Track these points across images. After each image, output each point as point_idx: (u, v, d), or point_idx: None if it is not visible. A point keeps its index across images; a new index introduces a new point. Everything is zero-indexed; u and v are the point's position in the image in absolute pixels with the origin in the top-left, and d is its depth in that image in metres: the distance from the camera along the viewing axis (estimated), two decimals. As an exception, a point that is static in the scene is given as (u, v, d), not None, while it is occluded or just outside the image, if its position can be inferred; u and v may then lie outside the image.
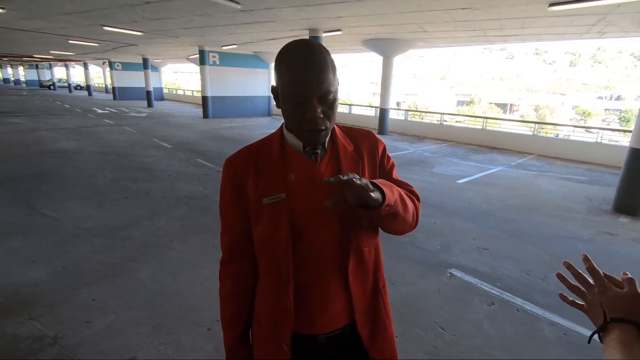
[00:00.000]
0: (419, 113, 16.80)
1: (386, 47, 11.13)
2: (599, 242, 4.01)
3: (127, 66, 25.31)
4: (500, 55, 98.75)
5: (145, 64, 20.59)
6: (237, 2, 6.32)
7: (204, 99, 15.74)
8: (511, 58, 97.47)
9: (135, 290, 2.72)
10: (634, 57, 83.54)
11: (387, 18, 7.45)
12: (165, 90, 30.53)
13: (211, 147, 8.77)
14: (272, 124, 14.68)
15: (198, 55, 15.33)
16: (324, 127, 0.80)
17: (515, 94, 62.55)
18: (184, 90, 31.82)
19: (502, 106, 53.11)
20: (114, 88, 25.60)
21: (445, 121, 12.64)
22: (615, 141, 10.33)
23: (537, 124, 10.89)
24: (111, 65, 24.80)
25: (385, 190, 0.76)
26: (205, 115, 15.76)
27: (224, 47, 14.71)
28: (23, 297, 2.57)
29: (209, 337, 2.23)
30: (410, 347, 2.21)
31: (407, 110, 14.63)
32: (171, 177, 5.97)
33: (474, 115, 19.43)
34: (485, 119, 11.60)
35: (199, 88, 16.73)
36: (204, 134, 11.13)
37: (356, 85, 72.45)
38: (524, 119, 23.13)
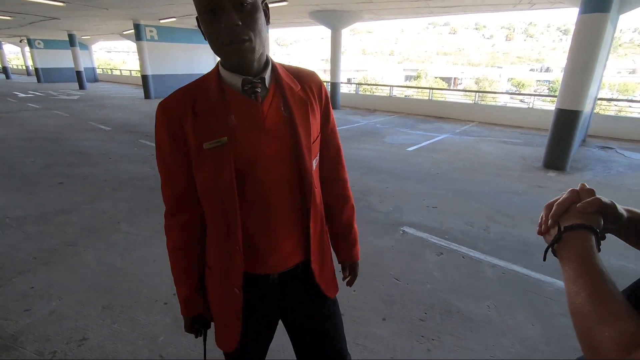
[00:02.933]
0: (369, 87, 17.01)
1: (334, 19, 11.00)
2: (531, 194, 4.42)
3: (50, 44, 22.58)
4: (444, 31, 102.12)
5: (72, 41, 18.45)
6: (172, -33, 5.82)
7: (144, 78, 14.61)
8: (454, 33, 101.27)
9: (81, 273, 2.54)
10: (560, 31, 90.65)
11: (332, -13, 7.32)
12: (98, 71, 27.87)
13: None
14: (221, 102, 14.07)
15: (133, 31, 14.07)
16: (247, 37, 0.73)
17: (458, 68, 65.62)
18: (120, 70, 29.23)
19: (447, 80, 55.50)
20: (36, 69, 22.81)
21: (395, 94, 12.97)
22: (544, 107, 11.31)
23: (477, 94, 11.54)
24: (30, 43, 21.98)
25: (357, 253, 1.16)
26: (147, 95, 14.69)
27: (161, 21, 13.63)
28: (-55, 293, 2.30)
29: (166, 310, 2.16)
30: (368, 298, 2.32)
31: (358, 84, 14.75)
32: (113, 160, 5.55)
33: (421, 87, 20.12)
34: (431, 90, 12.08)
35: (138, 68, 15.46)
36: (147, 114, 10.40)
37: (307, 62, 71.40)
38: (466, 89, 24.54)
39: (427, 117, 10.83)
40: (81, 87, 18.82)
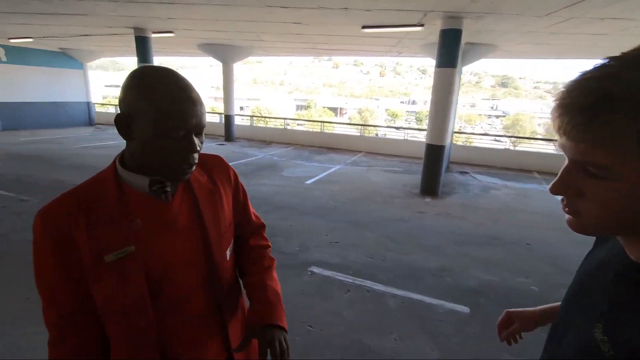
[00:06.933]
0: (264, 118, 17.28)
1: (224, 53, 10.98)
2: (415, 220, 5.05)
3: None
4: (328, 65, 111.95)
5: None
6: (29, -13, 5.03)
7: (-15, 105, 11.93)
8: (336, 68, 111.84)
9: None
10: (420, 70, 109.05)
11: (222, 24, 7.35)
12: None
13: (5, 170, 6.71)
14: (96, 135, 12.38)
15: (-31, 48, 11.48)
16: (196, 162, 0.77)
17: (342, 99, 72.10)
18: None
19: (334, 109, 60.28)
20: None
21: (288, 125, 13.46)
22: (416, 137, 13.23)
23: (362, 126, 12.84)
24: None
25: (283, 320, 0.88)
26: (-9, 127, 11.99)
27: (12, 40, 11.47)
28: None
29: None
30: (284, 354, 2.26)
31: (252, 116, 14.84)
32: (-60, 218, 4.28)
33: (313, 120, 21.42)
34: (322, 123, 12.93)
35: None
36: (-8, 152, 8.43)
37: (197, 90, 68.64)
38: (353, 122, 27.13)
39: (321, 149, 11.49)
40: None
